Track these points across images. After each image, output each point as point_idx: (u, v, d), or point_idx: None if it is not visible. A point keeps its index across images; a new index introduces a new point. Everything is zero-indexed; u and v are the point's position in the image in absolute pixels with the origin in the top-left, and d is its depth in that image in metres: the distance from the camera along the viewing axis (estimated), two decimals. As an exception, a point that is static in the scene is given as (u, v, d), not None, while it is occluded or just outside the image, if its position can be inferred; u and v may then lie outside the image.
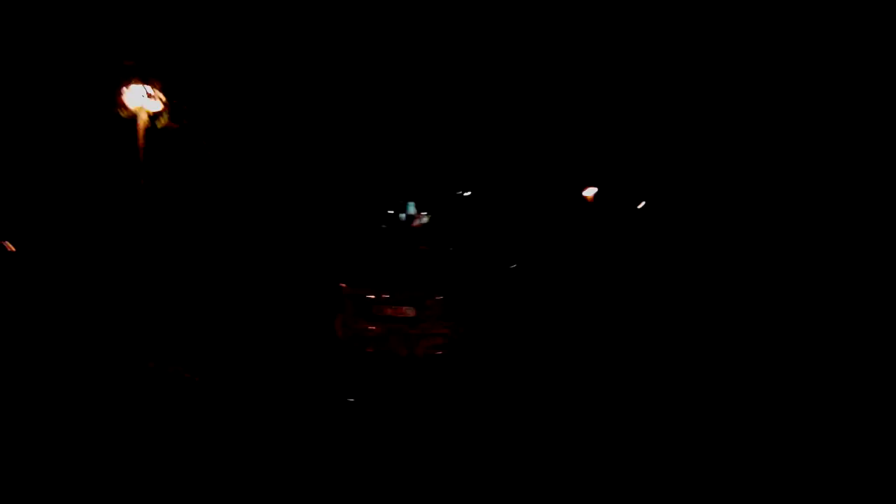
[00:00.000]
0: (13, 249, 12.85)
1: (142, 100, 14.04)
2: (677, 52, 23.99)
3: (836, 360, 9.25)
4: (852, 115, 21.03)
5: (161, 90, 14.71)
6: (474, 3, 20.29)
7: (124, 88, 14.08)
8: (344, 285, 8.66)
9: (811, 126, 22.25)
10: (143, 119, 14.17)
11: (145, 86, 13.96)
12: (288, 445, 5.52)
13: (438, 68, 20.13)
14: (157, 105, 14.51)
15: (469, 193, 25.09)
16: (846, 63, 20.45)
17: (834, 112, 21.36)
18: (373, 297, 8.32)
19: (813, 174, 22.39)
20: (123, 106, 14.13)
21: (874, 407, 7.23)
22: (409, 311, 8.16)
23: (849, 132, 21.22)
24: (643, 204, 29.88)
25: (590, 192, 25.51)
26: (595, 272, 18.29)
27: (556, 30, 22.85)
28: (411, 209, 14.33)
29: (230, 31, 16.18)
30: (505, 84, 23.07)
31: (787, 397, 7.33)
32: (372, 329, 8.24)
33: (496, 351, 8.87)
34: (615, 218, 27.46)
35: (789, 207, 23.43)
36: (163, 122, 15.57)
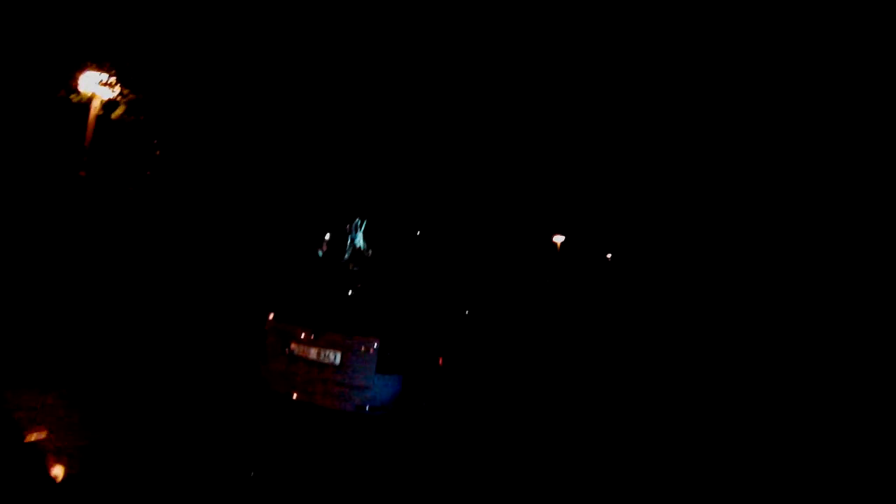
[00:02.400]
0: None
1: (97, 86, 13.20)
2: (648, 104, 24.57)
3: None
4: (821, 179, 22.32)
5: (119, 79, 13.93)
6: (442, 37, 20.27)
7: (80, 72, 13.26)
8: (271, 316, 7.73)
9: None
10: (95, 107, 13.34)
11: (101, 72, 13.15)
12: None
13: (393, 99, 19.73)
14: (113, 94, 13.71)
15: (425, 229, 24.26)
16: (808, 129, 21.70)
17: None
18: (299, 334, 7.33)
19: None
20: (75, 90, 13.33)
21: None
22: (334, 356, 7.16)
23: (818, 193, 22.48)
24: (610, 255, 29.90)
25: (558, 240, 25.32)
26: (558, 326, 17.89)
27: (526, 74, 23.00)
28: (359, 240, 13.44)
29: (201, 31, 15.54)
30: (469, 122, 22.88)
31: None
32: (295, 372, 7.23)
33: (437, 411, 7.85)
34: (583, 268, 27.35)
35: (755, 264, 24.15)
36: (118, 113, 14.71)
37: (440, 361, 8.98)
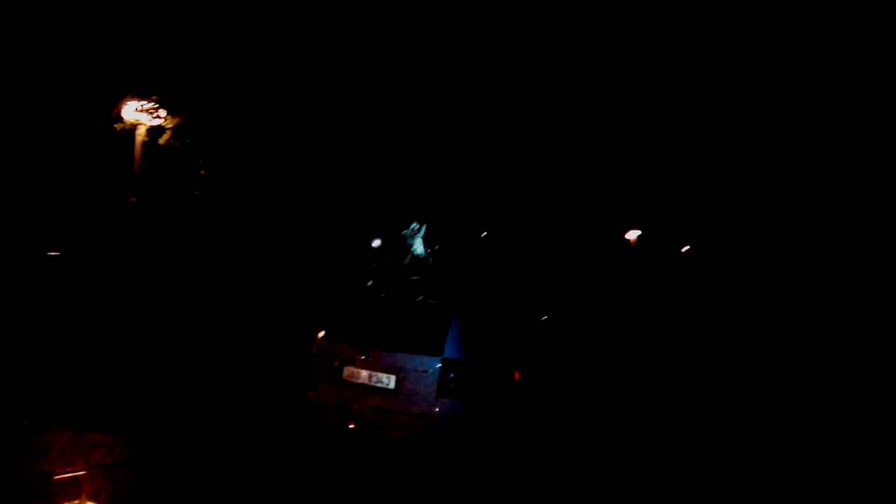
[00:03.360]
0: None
1: (140, 114, 13.03)
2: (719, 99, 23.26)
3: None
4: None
5: (163, 106, 13.74)
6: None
7: (122, 101, 13.11)
8: (320, 335, 6.93)
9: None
10: (140, 134, 13.19)
11: (143, 100, 12.98)
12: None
13: (448, 97, 18.84)
14: (157, 120, 13.54)
15: (487, 232, 22.82)
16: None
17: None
18: (350, 355, 6.52)
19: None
20: (119, 118, 13.19)
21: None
22: (388, 380, 6.31)
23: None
24: (687, 248, 28.15)
25: (631, 235, 23.66)
26: (644, 330, 16.35)
27: (595, 71, 22.00)
28: (417, 247, 12.27)
29: (244, 48, 15.28)
30: (535, 116, 21.78)
31: None
32: (346, 398, 6.44)
33: (516, 439, 6.87)
34: (659, 265, 25.54)
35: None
36: (165, 138, 14.59)
37: (516, 376, 7.90)
